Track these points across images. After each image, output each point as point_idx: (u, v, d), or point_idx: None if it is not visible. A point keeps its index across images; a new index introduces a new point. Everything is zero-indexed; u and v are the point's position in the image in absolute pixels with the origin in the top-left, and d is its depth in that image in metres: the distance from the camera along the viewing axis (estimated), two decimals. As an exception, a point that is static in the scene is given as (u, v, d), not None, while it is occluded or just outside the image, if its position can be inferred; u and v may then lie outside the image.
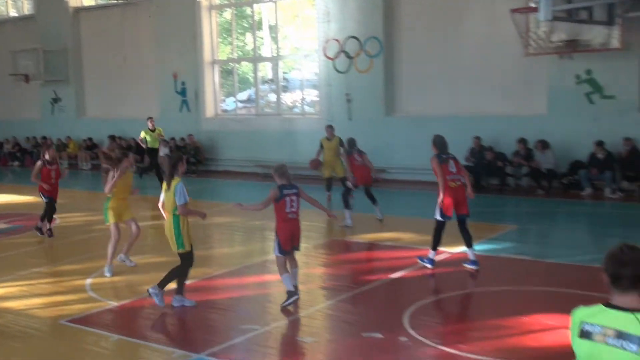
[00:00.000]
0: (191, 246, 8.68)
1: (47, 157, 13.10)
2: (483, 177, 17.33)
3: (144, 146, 20.74)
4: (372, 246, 12.32)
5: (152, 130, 20.31)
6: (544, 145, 16.72)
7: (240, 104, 25.27)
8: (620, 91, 16.15)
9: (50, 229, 13.17)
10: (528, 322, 7.86)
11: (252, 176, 21.45)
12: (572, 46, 15.70)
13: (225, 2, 23.89)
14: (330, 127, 15.56)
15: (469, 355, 7.03)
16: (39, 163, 13.06)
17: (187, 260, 8.69)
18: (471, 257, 9.98)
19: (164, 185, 8.62)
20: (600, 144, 15.93)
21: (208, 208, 16.01)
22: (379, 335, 7.63)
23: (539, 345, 7.25)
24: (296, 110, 23.64)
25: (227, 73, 24.82)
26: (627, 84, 16.06)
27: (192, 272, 9.01)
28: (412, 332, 7.66)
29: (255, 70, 23.57)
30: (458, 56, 18.53)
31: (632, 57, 15.85)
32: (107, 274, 10.30)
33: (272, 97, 24.05)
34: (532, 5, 14.45)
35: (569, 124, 16.72)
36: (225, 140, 23.15)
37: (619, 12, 14.35)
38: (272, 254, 11.74)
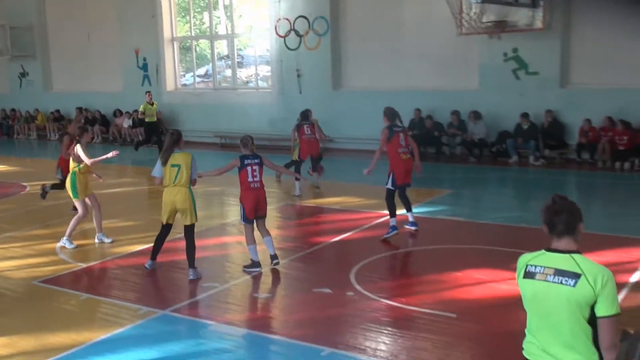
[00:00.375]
0: None
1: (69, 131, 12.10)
2: (423, 146, 17.40)
3: (141, 118, 20.08)
4: (321, 210, 12.35)
5: (151, 104, 19.59)
6: (476, 116, 16.91)
7: (198, 79, 24.89)
8: (543, 68, 16.38)
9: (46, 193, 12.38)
10: (461, 277, 8.02)
11: (212, 146, 21.23)
12: (500, 26, 15.85)
13: (183, -17, 23.44)
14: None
15: (409, 307, 7.16)
16: (66, 138, 11.71)
17: (193, 230, 8.44)
18: (411, 219, 10.06)
19: (161, 159, 8.19)
20: (525, 115, 16.17)
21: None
22: (328, 291, 7.70)
23: (471, 297, 7.41)
24: (251, 84, 23.40)
25: (185, 50, 24.39)
26: (550, 61, 16.28)
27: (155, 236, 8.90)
28: (358, 287, 7.75)
29: (212, 47, 23.20)
30: (399, 35, 18.51)
31: (554, 36, 16.06)
32: (69, 246, 9.77)
33: (228, 72, 23.76)
34: (465, -12, 14.51)
35: (498, 97, 16.92)
36: (185, 112, 22.82)
37: (542, -4, 14.53)
38: (231, 218, 11.75)
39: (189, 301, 7.68)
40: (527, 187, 14.43)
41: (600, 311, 3.30)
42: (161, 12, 22.75)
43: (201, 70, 25.52)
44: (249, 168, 8.34)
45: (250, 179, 8.34)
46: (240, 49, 24.19)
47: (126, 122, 23.07)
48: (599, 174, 14.92)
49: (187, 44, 24.12)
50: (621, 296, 7.11)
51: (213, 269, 8.78)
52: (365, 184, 13.54)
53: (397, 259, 9.46)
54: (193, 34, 23.89)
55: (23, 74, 27.32)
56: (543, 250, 3.50)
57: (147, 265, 8.75)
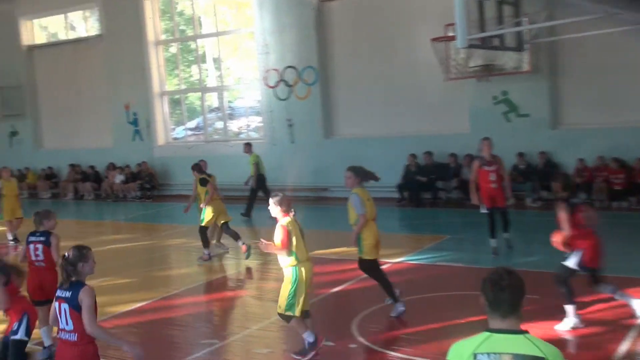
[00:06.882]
0: None
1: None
2: (419, 192, 17.40)
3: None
4: (318, 260, 12.21)
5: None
6: (472, 159, 16.92)
7: (189, 132, 24.99)
8: (533, 109, 16.52)
9: None
10: (464, 324, 7.89)
11: (204, 198, 21.18)
12: (488, 70, 16.02)
13: (171, 37, 23.69)
14: None
15: (413, 357, 7.04)
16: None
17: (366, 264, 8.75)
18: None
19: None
20: (521, 155, 16.22)
21: (165, 230, 15.77)
22: (330, 344, 7.57)
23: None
24: (242, 135, 23.50)
25: (175, 103, 24.54)
26: (539, 103, 16.43)
27: (150, 293, 8.75)
28: (360, 338, 7.66)
29: (202, 100, 23.37)
30: (387, 82, 18.66)
31: (541, 78, 16.26)
32: None
33: (219, 124, 23.88)
34: (450, 34, 14.66)
35: (490, 140, 16.96)
36: (177, 166, 22.79)
37: (527, 39, 14.69)
38: (228, 272, 11.60)
39: (187, 359, 7.53)
40: (525, 230, 14.37)
41: None
42: (149, 66, 22.96)
43: (192, 123, 25.65)
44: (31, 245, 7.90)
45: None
46: (230, 101, 24.37)
47: (118, 178, 23.03)
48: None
49: (177, 98, 24.28)
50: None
51: (211, 325, 8.66)
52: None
53: (398, 308, 9.34)
54: (182, 88, 24.08)
55: (13, 133, 27.38)
56: (486, 333, 3.07)
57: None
